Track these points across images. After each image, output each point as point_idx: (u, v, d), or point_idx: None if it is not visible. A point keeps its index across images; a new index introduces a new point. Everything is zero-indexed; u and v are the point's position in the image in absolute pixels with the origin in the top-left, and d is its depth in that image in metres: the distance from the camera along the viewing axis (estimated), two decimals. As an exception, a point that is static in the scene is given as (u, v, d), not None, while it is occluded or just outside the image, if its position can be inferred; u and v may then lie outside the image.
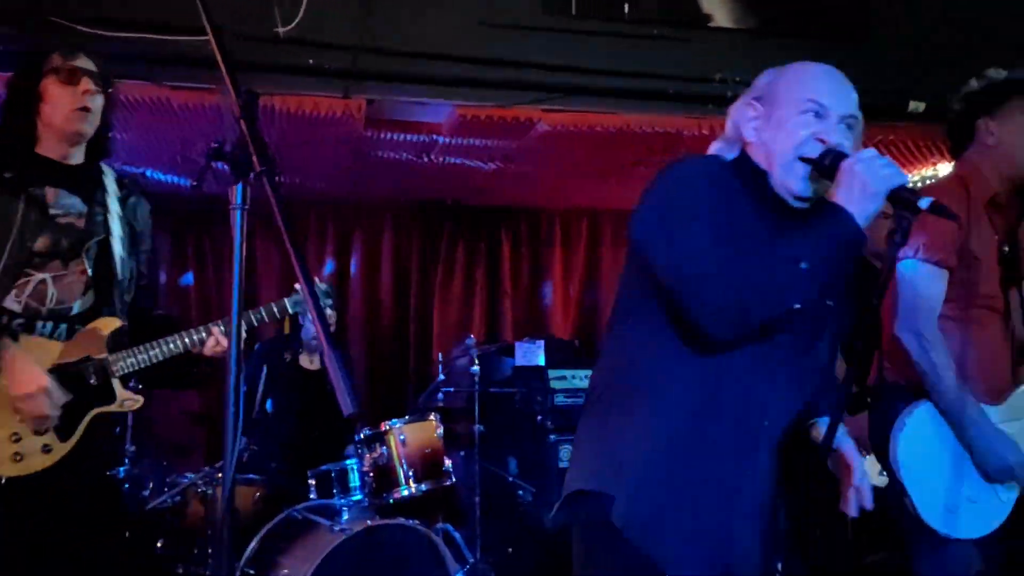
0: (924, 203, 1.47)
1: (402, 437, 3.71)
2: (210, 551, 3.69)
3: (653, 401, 1.60)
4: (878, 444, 2.44)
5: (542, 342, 4.87)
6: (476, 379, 4.26)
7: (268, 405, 4.33)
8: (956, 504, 2.32)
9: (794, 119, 1.58)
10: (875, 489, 2.45)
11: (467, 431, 4.46)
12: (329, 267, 5.58)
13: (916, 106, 3.96)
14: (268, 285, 5.46)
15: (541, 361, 4.82)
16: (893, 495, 2.38)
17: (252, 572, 3.47)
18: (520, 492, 4.38)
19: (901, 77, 3.97)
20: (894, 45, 4.00)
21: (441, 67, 3.59)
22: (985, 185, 2.48)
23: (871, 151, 1.54)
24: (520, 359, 4.85)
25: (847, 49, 3.96)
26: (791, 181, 1.59)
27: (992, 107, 2.48)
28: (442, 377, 4.23)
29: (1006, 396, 2.41)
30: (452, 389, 4.42)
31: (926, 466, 2.34)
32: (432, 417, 3.87)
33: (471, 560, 3.97)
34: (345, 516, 3.48)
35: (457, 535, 4.09)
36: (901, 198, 1.49)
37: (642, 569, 1.55)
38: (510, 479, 4.44)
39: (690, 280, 1.50)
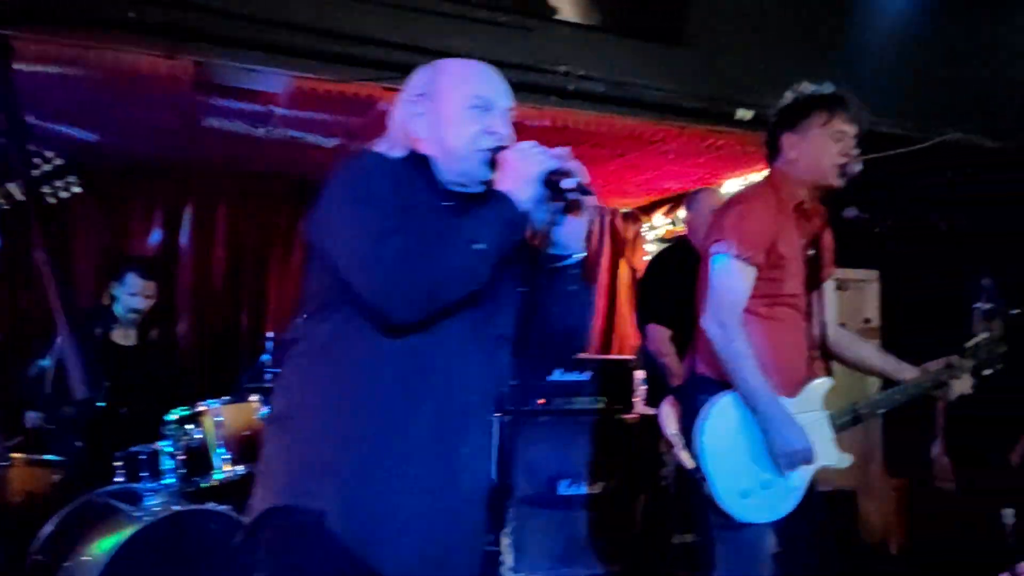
0: (570, 183, 1.62)
1: (219, 418, 3.54)
2: (-6, 537, 3.40)
3: (348, 397, 1.60)
4: (686, 433, 2.55)
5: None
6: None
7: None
8: (750, 490, 2.45)
9: (461, 113, 1.70)
10: (684, 474, 2.58)
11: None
12: (156, 238, 5.25)
13: (743, 114, 4.17)
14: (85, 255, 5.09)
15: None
16: (696, 481, 2.49)
17: (41, 559, 3.23)
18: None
19: (731, 85, 4.16)
20: (725, 53, 4.18)
21: (278, 34, 3.44)
22: (792, 192, 2.63)
23: (529, 142, 1.67)
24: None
25: (684, 52, 4.12)
26: (473, 170, 1.70)
27: (795, 122, 2.64)
28: (267, 357, 4.07)
29: (801, 389, 2.58)
30: (277, 369, 4.26)
31: (725, 454, 2.47)
32: (253, 398, 3.71)
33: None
34: (149, 501, 3.30)
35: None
36: (551, 182, 1.64)
37: (353, 572, 1.54)
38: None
39: (371, 266, 1.53)
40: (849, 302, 6.23)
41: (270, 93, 3.86)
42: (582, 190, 1.63)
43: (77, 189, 2.22)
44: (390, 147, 1.74)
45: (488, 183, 1.70)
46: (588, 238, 1.70)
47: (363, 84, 3.69)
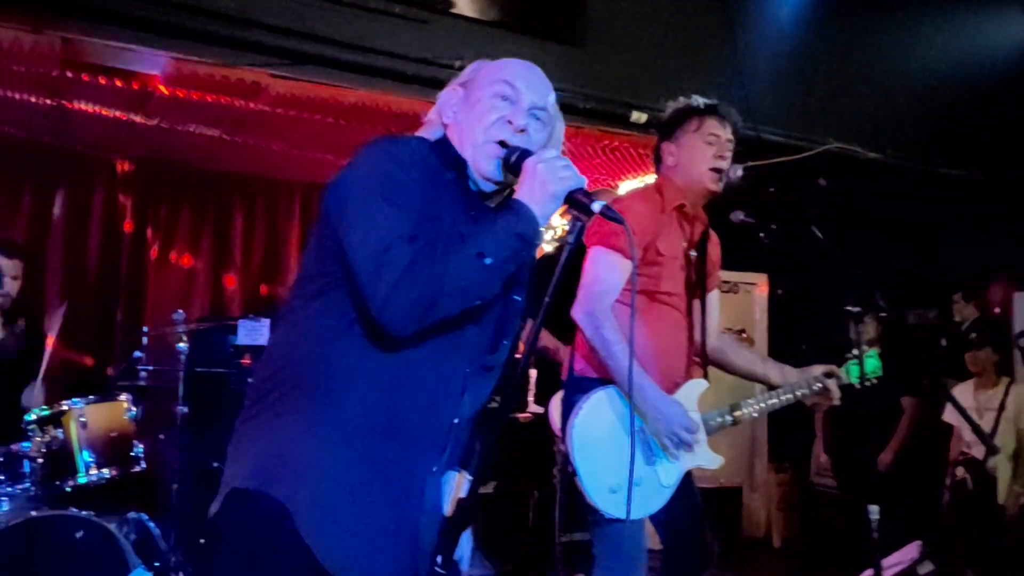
0: (597, 207, 1.50)
1: (82, 419, 3.33)
2: None
3: (334, 395, 1.52)
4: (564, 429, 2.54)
5: (268, 320, 4.61)
6: (183, 357, 3.94)
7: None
8: (619, 486, 2.45)
9: (486, 100, 1.60)
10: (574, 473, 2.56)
11: (172, 412, 4.11)
12: (23, 223, 4.92)
13: (638, 116, 4.22)
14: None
15: (266, 340, 4.56)
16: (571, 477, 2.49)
17: None
18: (225, 479, 4.11)
19: (626, 87, 4.21)
20: (621, 56, 4.23)
21: (156, 11, 3.26)
22: (675, 195, 2.67)
23: (553, 151, 1.57)
24: (242, 337, 4.56)
25: (580, 53, 4.14)
26: (482, 162, 1.59)
27: (671, 131, 2.70)
28: (139, 354, 3.86)
29: (677, 389, 2.60)
30: (152, 367, 4.05)
31: (595, 450, 2.47)
32: (123, 397, 3.51)
33: (163, 551, 3.66)
34: (4, 507, 3.08)
35: (152, 526, 3.76)
36: (577, 201, 1.52)
37: (311, 571, 1.48)
38: (215, 465, 4.15)
39: (379, 269, 1.44)
40: (738, 305, 6.43)
41: (148, 74, 3.65)
42: (609, 213, 1.52)
43: None
44: (427, 133, 1.67)
45: (506, 186, 1.62)
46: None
47: (249, 69, 3.54)
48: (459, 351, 1.59)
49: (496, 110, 1.59)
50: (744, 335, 4.71)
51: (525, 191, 1.52)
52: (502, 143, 1.58)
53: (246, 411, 1.60)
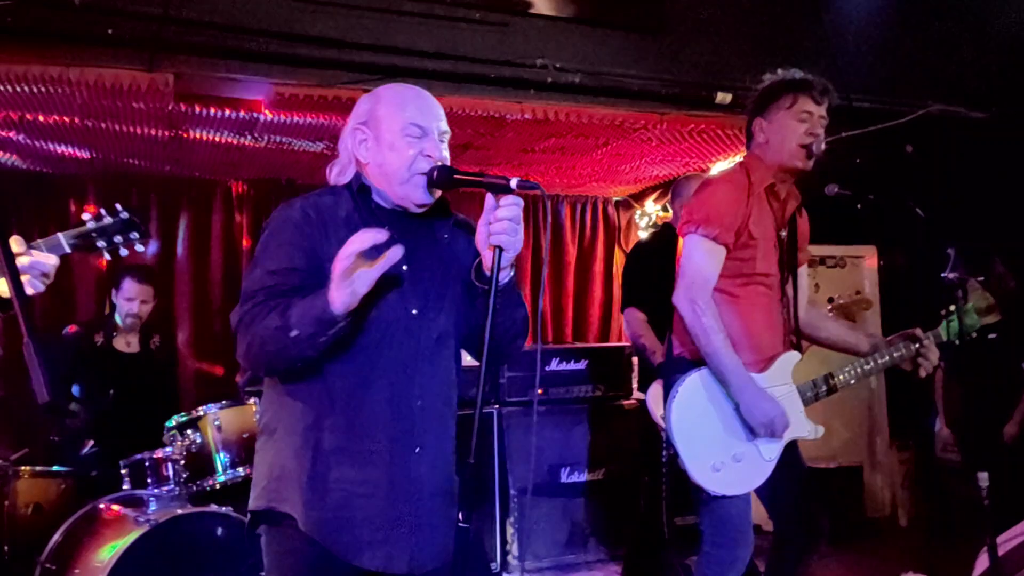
0: (514, 182, 1.69)
1: (217, 423, 3.62)
2: (6, 548, 3.49)
3: (306, 414, 1.77)
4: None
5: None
6: (301, 362, 4.19)
7: (75, 391, 4.10)
8: (723, 464, 2.50)
9: (401, 141, 1.81)
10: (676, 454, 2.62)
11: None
12: (153, 248, 5.32)
13: (723, 97, 4.20)
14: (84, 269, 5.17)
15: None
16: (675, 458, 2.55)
17: (52, 567, 3.32)
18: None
19: (708, 69, 4.19)
20: (701, 38, 4.21)
21: (255, 42, 3.49)
22: (764, 175, 2.68)
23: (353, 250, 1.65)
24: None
25: (660, 40, 4.15)
26: (413, 193, 1.82)
27: (764, 107, 2.70)
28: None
29: (774, 361, 2.62)
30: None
31: (695, 430, 2.52)
32: (251, 401, 3.78)
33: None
34: (152, 507, 3.37)
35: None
36: (495, 185, 1.72)
37: (327, 564, 1.74)
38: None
39: (235, 323, 1.75)
40: (847, 279, 6.26)
41: (253, 100, 3.91)
42: (524, 184, 1.70)
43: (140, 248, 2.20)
44: (340, 171, 1.89)
45: (427, 204, 1.84)
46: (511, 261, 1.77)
47: (343, 88, 3.73)
48: (401, 343, 1.80)
49: (411, 146, 1.80)
50: (859, 294, 4.60)
51: (332, 287, 1.63)
52: (431, 165, 1.80)
53: (257, 442, 1.88)
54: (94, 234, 2.08)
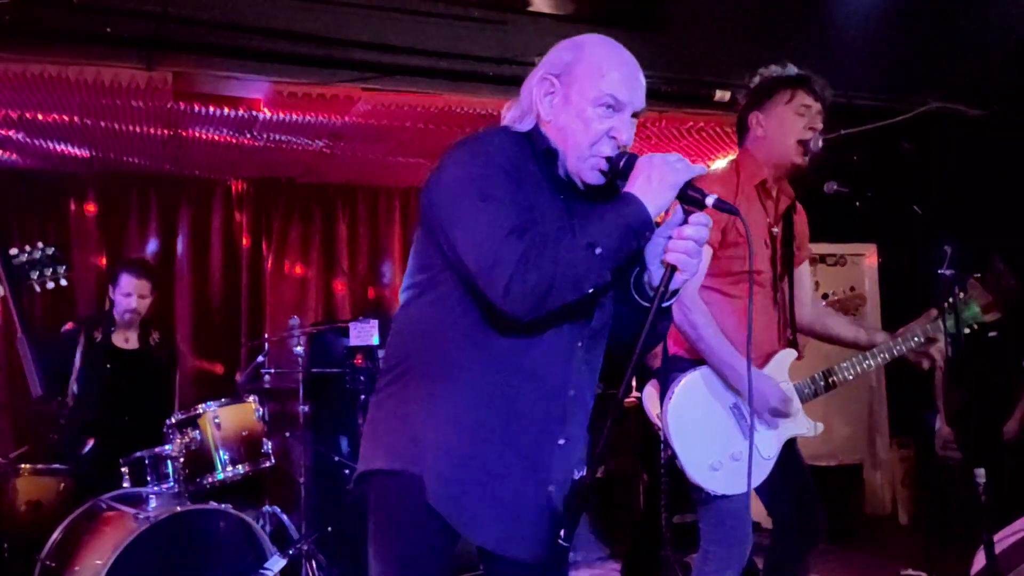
0: (710, 200, 1.53)
1: (217, 420, 3.63)
2: (6, 545, 3.50)
3: (455, 378, 1.63)
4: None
5: (376, 322, 4.84)
6: (301, 360, 4.21)
7: (74, 388, 4.11)
8: (721, 463, 2.50)
9: (591, 111, 1.61)
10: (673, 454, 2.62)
11: (296, 412, 4.40)
12: (153, 246, 5.33)
13: (722, 95, 4.20)
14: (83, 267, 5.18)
15: (375, 340, 4.79)
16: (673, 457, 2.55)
17: (52, 565, 3.32)
18: (347, 472, 4.36)
19: (707, 67, 4.19)
20: (699, 36, 4.21)
21: (254, 40, 3.49)
22: (755, 171, 2.67)
23: (674, 154, 1.59)
24: (354, 339, 4.81)
25: (659, 38, 4.15)
26: (585, 172, 1.64)
27: (761, 101, 2.68)
28: (261, 359, 4.15)
29: (771, 358, 2.62)
30: (274, 370, 4.34)
31: (692, 429, 2.52)
32: (251, 399, 3.79)
33: (295, 539, 3.93)
34: (152, 504, 3.37)
35: (284, 517, 4.04)
36: (689, 196, 1.55)
37: (445, 538, 1.63)
38: (336, 459, 4.42)
39: (491, 265, 1.51)
40: (847, 277, 6.26)
41: (252, 99, 3.92)
42: (723, 206, 1.53)
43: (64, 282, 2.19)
44: (520, 117, 1.70)
45: (612, 181, 1.63)
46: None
47: (342, 86, 3.74)
48: (565, 325, 1.65)
49: (601, 121, 1.61)
50: (853, 290, 4.61)
51: (639, 185, 1.54)
52: (617, 152, 1.62)
53: (376, 396, 1.74)
54: (27, 266, 2.08)
